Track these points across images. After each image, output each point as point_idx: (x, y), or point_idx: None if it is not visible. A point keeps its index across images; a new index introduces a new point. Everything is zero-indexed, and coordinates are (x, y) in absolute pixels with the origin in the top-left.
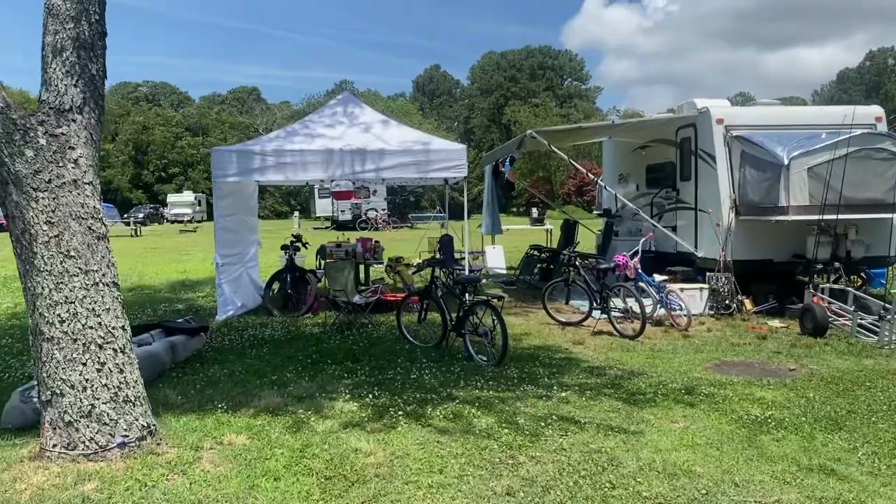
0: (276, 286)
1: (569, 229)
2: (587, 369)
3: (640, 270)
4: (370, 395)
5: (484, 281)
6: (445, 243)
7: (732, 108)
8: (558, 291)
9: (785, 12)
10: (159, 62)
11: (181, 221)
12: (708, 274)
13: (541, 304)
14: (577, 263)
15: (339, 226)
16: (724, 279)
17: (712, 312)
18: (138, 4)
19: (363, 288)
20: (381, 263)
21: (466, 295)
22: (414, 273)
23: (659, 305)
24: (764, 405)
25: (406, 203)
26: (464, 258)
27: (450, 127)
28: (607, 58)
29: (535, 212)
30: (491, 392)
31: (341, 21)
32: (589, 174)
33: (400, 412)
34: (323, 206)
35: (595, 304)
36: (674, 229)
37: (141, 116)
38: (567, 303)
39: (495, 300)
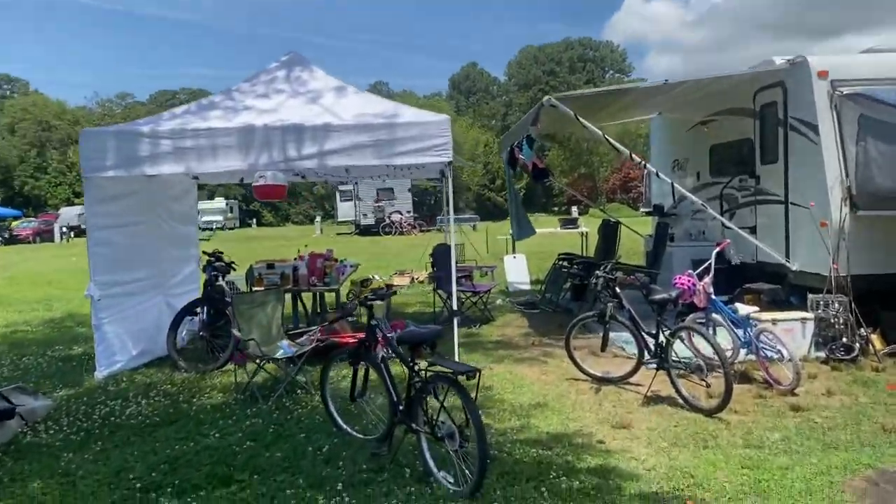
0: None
1: (608, 233)
2: None
3: (713, 297)
4: None
5: (499, 302)
6: (440, 255)
7: (840, 56)
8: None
9: (832, 1)
10: (201, 73)
11: (211, 229)
12: (810, 296)
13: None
14: (618, 290)
15: (363, 230)
16: (837, 305)
17: (824, 356)
18: (182, 17)
19: (300, 329)
20: (333, 290)
21: (418, 362)
22: (342, 317)
23: (745, 351)
24: None
25: (436, 203)
26: (467, 275)
27: (486, 124)
28: (650, 53)
29: (574, 211)
30: None
31: (376, 25)
32: (632, 156)
33: None
34: (345, 211)
35: (649, 353)
36: (752, 230)
37: None
38: (604, 347)
39: (465, 377)
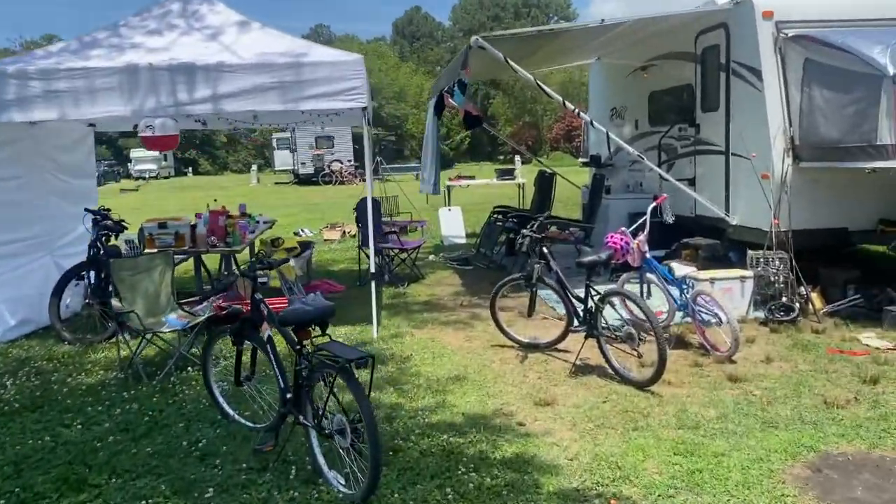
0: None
1: (544, 185)
2: None
3: (649, 256)
4: None
5: (431, 258)
6: (364, 211)
7: None
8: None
9: None
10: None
11: (145, 178)
12: (750, 253)
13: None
14: (545, 250)
15: (302, 180)
16: (777, 262)
17: (763, 317)
18: None
19: (191, 299)
20: (236, 252)
21: (306, 346)
22: (216, 293)
23: (682, 314)
24: None
25: (383, 151)
26: (392, 231)
27: (431, 70)
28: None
29: (518, 160)
30: None
31: None
32: (566, 104)
33: None
34: (282, 159)
35: (578, 319)
36: (691, 182)
37: None
38: (531, 312)
39: (356, 363)
